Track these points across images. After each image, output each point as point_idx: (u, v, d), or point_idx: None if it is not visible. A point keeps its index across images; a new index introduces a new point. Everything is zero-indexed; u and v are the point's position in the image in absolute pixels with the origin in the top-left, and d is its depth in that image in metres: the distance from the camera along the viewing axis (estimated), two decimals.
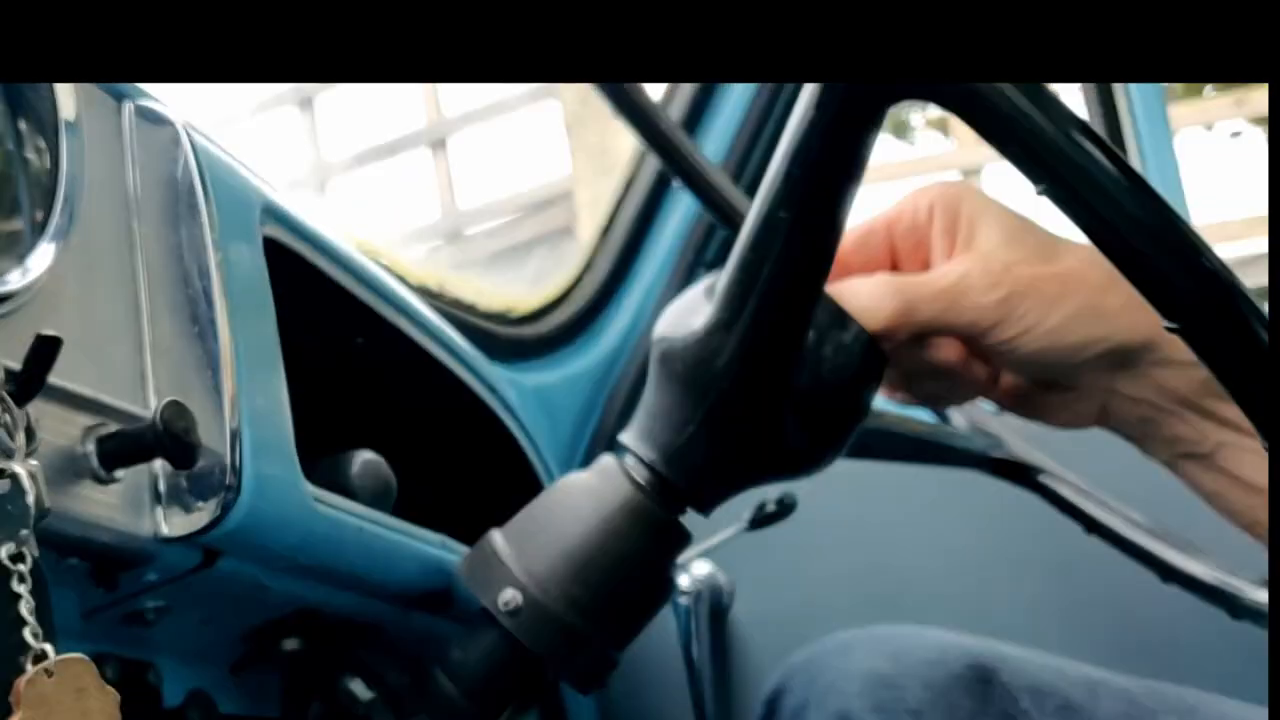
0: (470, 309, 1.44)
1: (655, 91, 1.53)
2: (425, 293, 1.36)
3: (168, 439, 0.62)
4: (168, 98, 0.77)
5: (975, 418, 0.98)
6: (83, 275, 0.67)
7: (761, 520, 1.37)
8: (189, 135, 0.75)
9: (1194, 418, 0.70)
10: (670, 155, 0.89)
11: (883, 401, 0.74)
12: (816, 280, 0.61)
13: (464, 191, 5.83)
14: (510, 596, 0.69)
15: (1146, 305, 0.65)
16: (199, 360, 0.71)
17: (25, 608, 0.55)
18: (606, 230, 1.56)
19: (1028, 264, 0.68)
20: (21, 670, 0.55)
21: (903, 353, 0.71)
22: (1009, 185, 0.68)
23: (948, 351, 0.74)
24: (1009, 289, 0.68)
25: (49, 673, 0.55)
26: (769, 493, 1.37)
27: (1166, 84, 1.71)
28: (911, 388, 0.76)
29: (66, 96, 0.68)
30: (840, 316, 0.66)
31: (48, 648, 0.56)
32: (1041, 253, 0.68)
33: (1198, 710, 0.89)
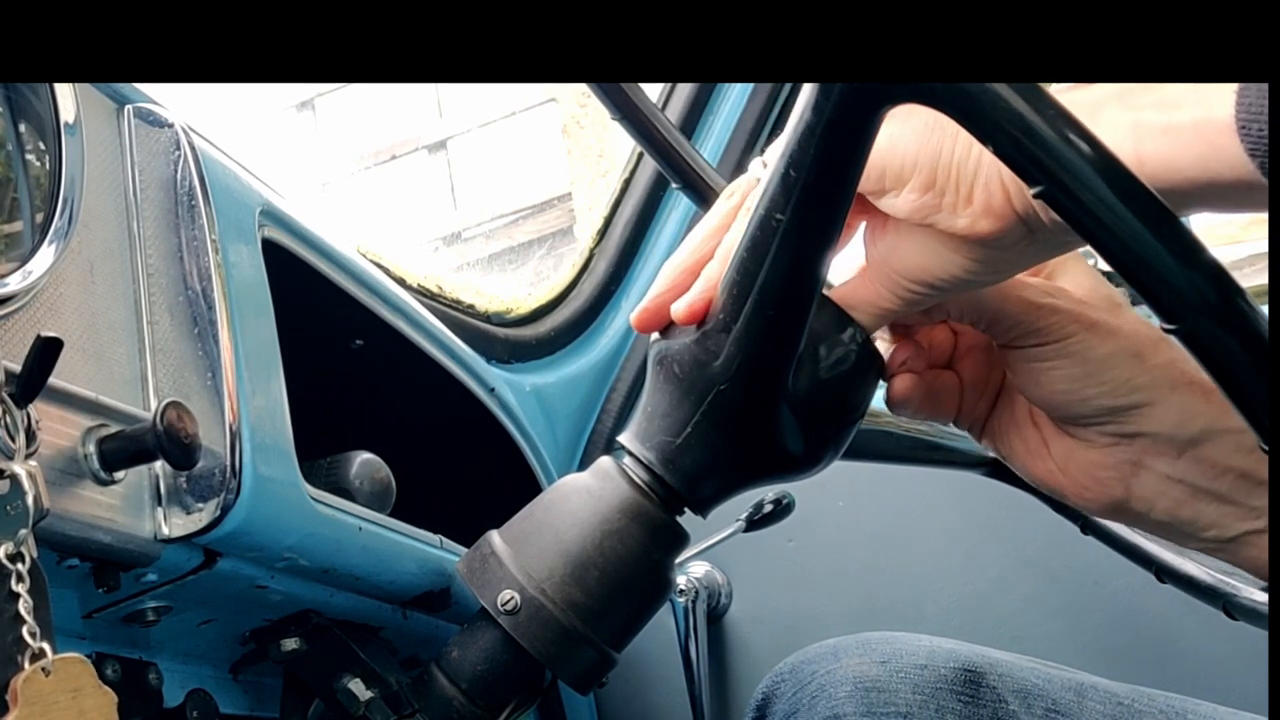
0: (469, 310, 1.44)
1: (653, 91, 1.53)
2: (425, 294, 1.36)
3: (168, 440, 0.62)
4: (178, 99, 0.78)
5: None
6: (83, 277, 0.68)
7: (759, 520, 1.37)
8: (188, 138, 0.76)
9: (1216, 505, 0.67)
10: (668, 157, 0.89)
11: (880, 402, 0.74)
12: (814, 282, 0.61)
13: (463, 193, 5.83)
14: (509, 597, 0.69)
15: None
16: (199, 362, 0.72)
17: (23, 607, 0.55)
18: (604, 232, 1.56)
19: (1091, 301, 0.67)
20: (19, 668, 0.55)
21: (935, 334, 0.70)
22: None
23: (968, 362, 0.72)
24: (1064, 303, 0.67)
25: (46, 671, 0.55)
26: (766, 493, 1.37)
27: None
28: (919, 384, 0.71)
29: (67, 99, 0.68)
30: (838, 317, 0.66)
31: (45, 646, 0.56)
32: (1107, 302, 0.68)
33: (1185, 715, 0.89)
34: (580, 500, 0.71)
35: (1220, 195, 0.53)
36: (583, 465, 1.38)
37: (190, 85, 0.60)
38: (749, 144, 1.54)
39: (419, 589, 0.90)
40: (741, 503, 1.37)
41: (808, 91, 0.54)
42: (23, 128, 0.68)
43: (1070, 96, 0.49)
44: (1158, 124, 0.53)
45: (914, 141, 0.59)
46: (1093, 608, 1.41)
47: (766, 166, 0.65)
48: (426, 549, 0.91)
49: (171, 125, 0.76)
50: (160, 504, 0.68)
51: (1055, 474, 0.71)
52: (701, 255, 0.67)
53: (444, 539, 0.94)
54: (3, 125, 0.67)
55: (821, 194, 0.57)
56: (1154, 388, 0.66)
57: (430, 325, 1.07)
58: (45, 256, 0.64)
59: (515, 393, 1.27)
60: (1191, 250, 0.47)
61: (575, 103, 4.53)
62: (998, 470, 0.91)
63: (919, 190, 0.59)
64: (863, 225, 0.66)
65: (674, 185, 0.91)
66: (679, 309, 0.65)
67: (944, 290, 0.63)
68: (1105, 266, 0.50)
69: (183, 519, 0.69)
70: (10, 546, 0.55)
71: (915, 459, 0.91)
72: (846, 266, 0.67)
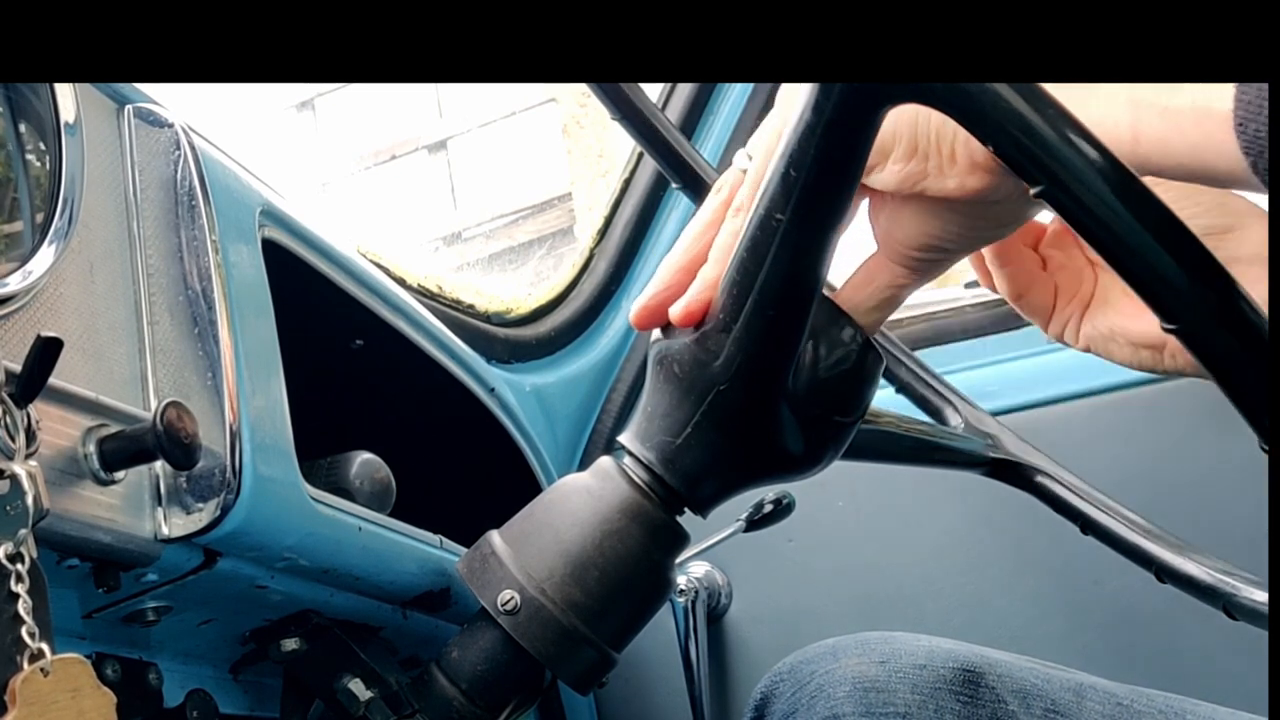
0: (469, 310, 1.44)
1: (653, 91, 1.53)
2: (425, 294, 1.36)
3: (168, 440, 0.62)
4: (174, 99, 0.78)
5: (972, 418, 0.98)
6: (83, 277, 0.68)
7: (759, 520, 1.37)
8: (188, 138, 0.76)
9: None
10: (668, 157, 0.89)
11: (880, 402, 0.74)
12: (814, 281, 0.61)
13: (463, 193, 5.83)
14: (509, 597, 0.69)
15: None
16: (199, 362, 0.72)
17: (23, 607, 0.55)
18: (604, 232, 1.56)
19: None
20: (18, 669, 0.55)
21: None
22: None
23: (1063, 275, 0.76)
24: None
25: (45, 672, 0.55)
26: (767, 493, 1.37)
27: None
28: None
29: (67, 99, 0.68)
30: (838, 317, 0.66)
31: (44, 647, 0.56)
32: None
33: (1185, 715, 0.89)
34: (580, 500, 0.71)
35: (1210, 184, 0.54)
36: (583, 465, 1.38)
37: (190, 85, 0.60)
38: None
39: (419, 589, 0.90)
40: (741, 503, 1.37)
41: (808, 91, 0.54)
42: (23, 128, 0.68)
43: None
44: (1156, 104, 0.54)
45: (891, 115, 0.60)
46: (1093, 608, 1.41)
47: (751, 158, 0.66)
48: (426, 549, 0.91)
49: (171, 125, 0.76)
50: (160, 504, 0.68)
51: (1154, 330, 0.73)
52: (696, 252, 0.68)
53: (444, 539, 0.94)
54: (3, 125, 0.67)
55: (822, 193, 0.57)
56: (1247, 214, 0.69)
57: (430, 325, 1.07)
58: (45, 256, 0.64)
59: (515, 393, 1.27)
60: (1191, 250, 0.47)
61: (575, 103, 4.53)
62: (998, 470, 0.91)
63: (903, 159, 0.61)
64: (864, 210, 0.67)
65: (674, 185, 0.91)
66: (676, 312, 0.66)
67: (951, 253, 0.65)
68: None
69: (183, 519, 0.69)
70: (10, 546, 0.55)
71: (915, 459, 0.91)
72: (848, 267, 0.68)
